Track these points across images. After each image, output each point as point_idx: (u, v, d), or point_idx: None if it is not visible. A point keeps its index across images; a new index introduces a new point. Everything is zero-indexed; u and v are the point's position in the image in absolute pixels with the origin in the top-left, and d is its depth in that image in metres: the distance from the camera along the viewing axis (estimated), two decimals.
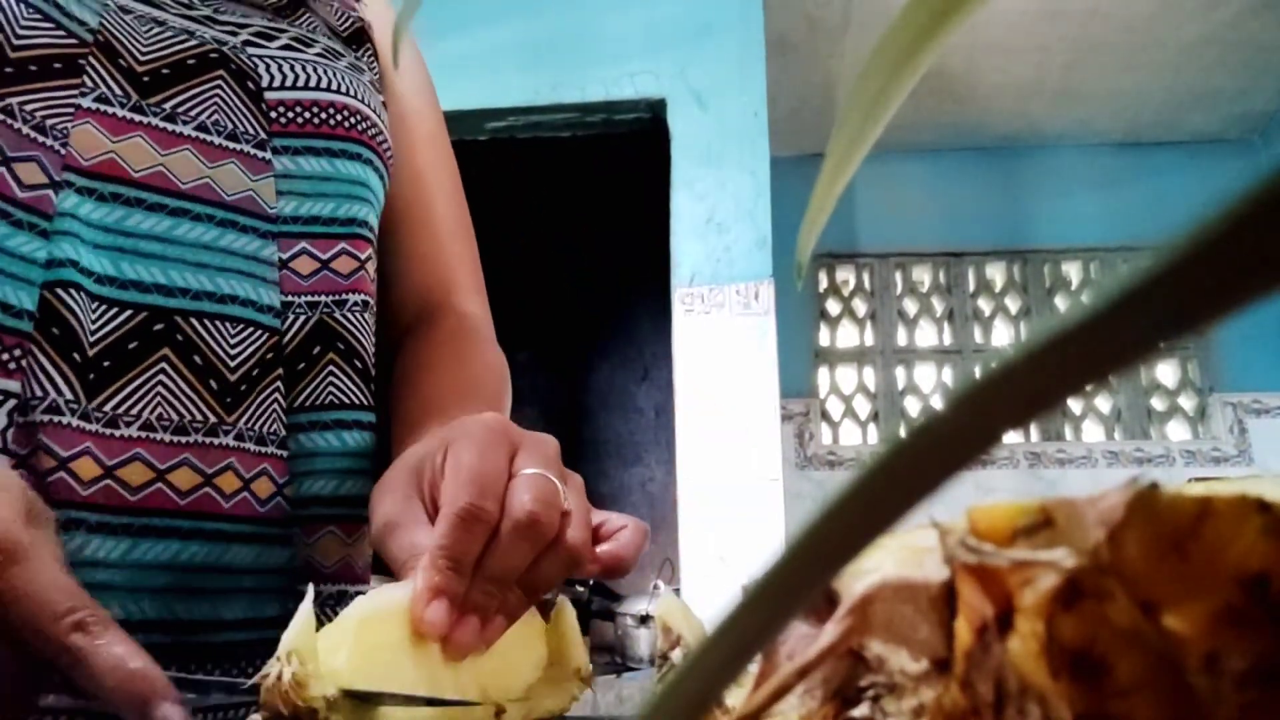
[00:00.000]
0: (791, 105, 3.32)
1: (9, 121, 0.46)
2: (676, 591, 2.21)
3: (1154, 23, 2.97)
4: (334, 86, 0.57)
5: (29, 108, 0.47)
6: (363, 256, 0.57)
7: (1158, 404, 3.52)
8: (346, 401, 0.55)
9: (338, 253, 0.56)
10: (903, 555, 0.18)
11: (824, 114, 3.44)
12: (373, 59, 0.64)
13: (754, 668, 0.20)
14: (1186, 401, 3.53)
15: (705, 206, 2.32)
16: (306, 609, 0.33)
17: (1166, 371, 3.56)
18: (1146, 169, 3.61)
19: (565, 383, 3.25)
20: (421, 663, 0.35)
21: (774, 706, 0.19)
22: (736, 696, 0.21)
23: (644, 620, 2.17)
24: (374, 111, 0.60)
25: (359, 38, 0.64)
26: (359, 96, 0.58)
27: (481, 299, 0.68)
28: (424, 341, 0.61)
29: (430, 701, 0.34)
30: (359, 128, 0.58)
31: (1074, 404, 3.37)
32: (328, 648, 0.33)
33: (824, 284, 3.69)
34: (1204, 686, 0.13)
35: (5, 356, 0.44)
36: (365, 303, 0.57)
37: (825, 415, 3.58)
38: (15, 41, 0.47)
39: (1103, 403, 3.54)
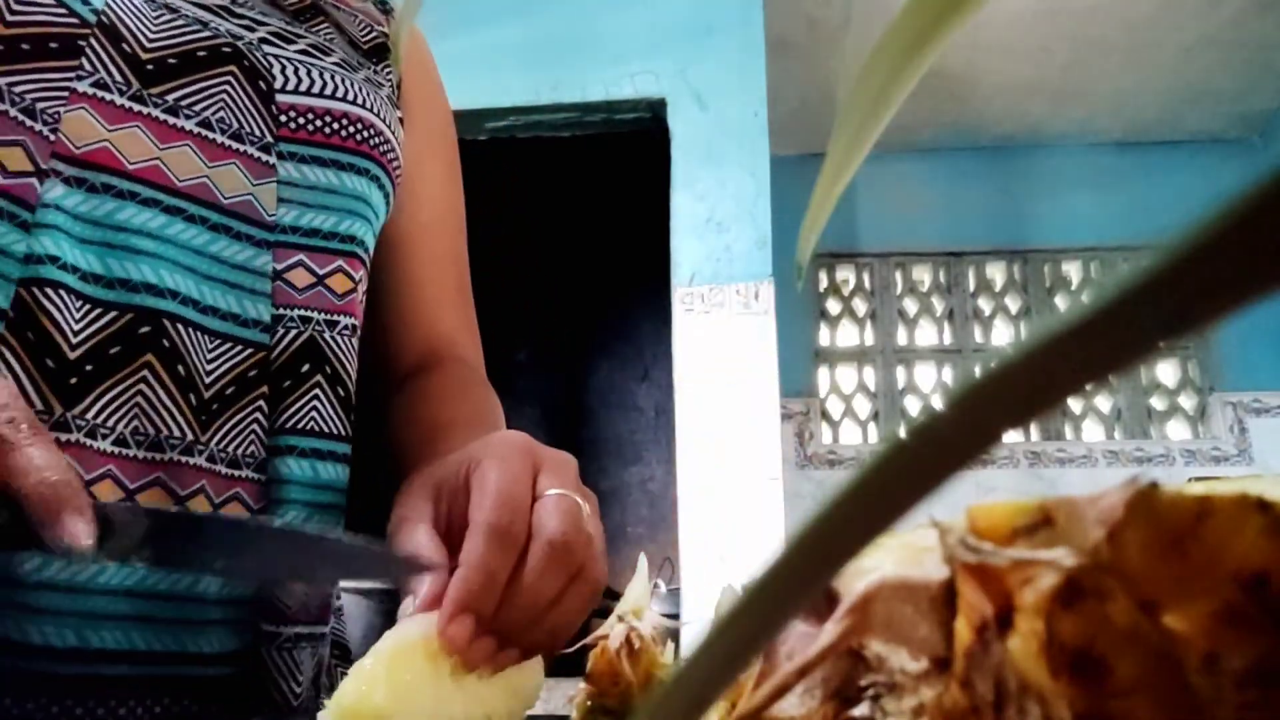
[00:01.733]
0: (791, 105, 3.32)
1: None
2: (675, 591, 2.21)
3: (1154, 23, 2.97)
4: (349, 97, 0.55)
5: (19, 89, 0.43)
6: (357, 277, 0.55)
7: (1158, 404, 3.52)
8: (326, 430, 0.51)
9: (334, 270, 0.53)
10: (903, 555, 0.18)
11: (824, 114, 3.44)
12: (390, 73, 0.61)
13: (754, 667, 0.20)
14: (1186, 401, 3.53)
15: (705, 206, 2.32)
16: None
17: (1166, 371, 3.56)
18: (1146, 169, 3.61)
19: (565, 382, 3.25)
20: (441, 690, 0.35)
21: (774, 706, 0.19)
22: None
23: None
24: (387, 126, 0.57)
25: (381, 53, 0.61)
26: (374, 110, 0.56)
27: (476, 343, 0.68)
28: (432, 379, 0.61)
29: None
30: (370, 142, 0.55)
31: (1074, 404, 3.37)
32: (363, 687, 0.32)
33: (824, 284, 3.69)
34: (1204, 686, 0.13)
35: None
36: (354, 327, 0.55)
37: (825, 415, 3.58)
38: (10, 16, 0.43)
39: (1103, 402, 3.54)
